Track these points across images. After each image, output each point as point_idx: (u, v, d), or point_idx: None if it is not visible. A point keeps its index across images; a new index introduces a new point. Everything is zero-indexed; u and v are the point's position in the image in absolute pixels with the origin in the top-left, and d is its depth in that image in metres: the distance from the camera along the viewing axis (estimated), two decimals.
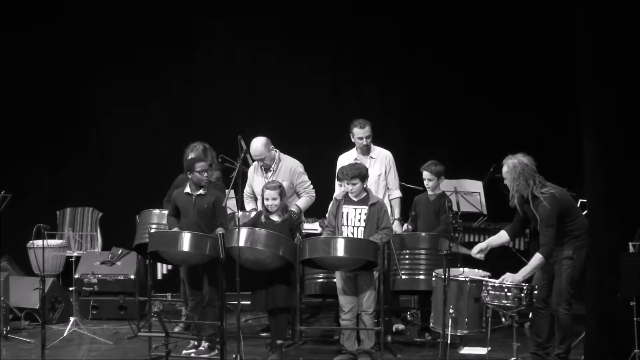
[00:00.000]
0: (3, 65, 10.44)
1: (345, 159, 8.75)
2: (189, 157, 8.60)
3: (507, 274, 7.27)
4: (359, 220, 7.94)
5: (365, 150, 8.73)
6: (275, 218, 8.06)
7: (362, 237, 7.86)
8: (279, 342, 8.05)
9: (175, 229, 8.16)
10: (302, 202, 8.66)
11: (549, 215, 7.23)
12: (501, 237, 7.68)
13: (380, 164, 8.74)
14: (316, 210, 9.04)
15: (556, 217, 7.24)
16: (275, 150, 8.73)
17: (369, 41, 10.63)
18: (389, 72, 10.65)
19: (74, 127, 10.73)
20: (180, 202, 8.21)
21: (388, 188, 8.73)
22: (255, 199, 8.78)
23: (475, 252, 7.56)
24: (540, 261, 7.24)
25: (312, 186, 8.73)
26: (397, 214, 8.73)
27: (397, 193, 8.77)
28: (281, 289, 7.96)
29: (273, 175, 8.64)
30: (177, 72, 10.71)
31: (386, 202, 8.55)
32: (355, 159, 8.71)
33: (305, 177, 8.73)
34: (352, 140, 8.74)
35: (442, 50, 10.48)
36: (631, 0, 7.03)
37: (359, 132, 8.68)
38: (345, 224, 7.96)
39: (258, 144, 8.62)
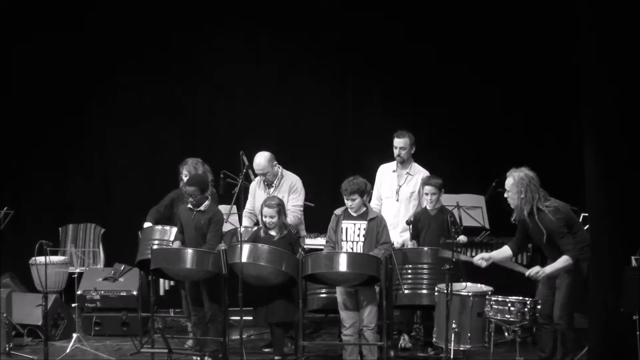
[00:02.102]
0: (4, 83, 10.45)
1: (384, 168, 8.88)
2: (181, 173, 8.74)
3: (536, 267, 7.32)
4: (358, 235, 7.96)
5: (402, 163, 8.75)
6: (274, 233, 8.08)
7: (362, 252, 7.88)
8: (276, 358, 8.05)
9: (177, 243, 8.20)
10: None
11: (558, 226, 7.25)
12: (504, 251, 7.69)
13: (415, 182, 8.74)
14: (319, 226, 9.04)
15: (565, 226, 7.26)
16: (279, 167, 8.75)
17: (372, 56, 10.62)
18: (391, 87, 10.64)
19: (76, 143, 10.73)
20: (182, 217, 8.28)
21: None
22: (256, 215, 8.78)
23: (477, 258, 7.57)
24: (567, 262, 7.23)
25: (301, 209, 8.72)
26: None
27: None
28: (281, 303, 7.96)
29: (275, 191, 8.65)
30: (179, 88, 10.71)
31: None
32: (394, 170, 8.79)
33: (300, 197, 8.71)
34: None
35: (444, 64, 10.45)
36: (633, 13, 7.05)
37: (395, 142, 8.73)
38: (344, 239, 7.98)
39: (261, 158, 8.64)
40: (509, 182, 7.42)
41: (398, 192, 8.76)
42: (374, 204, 8.70)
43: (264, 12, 10.52)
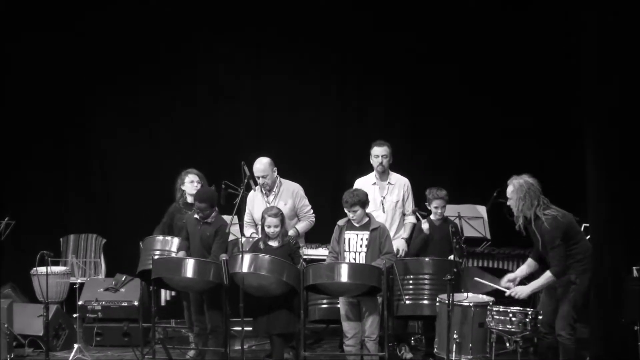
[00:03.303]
0: (4, 92, 10.46)
1: (362, 183, 8.79)
2: (180, 186, 8.82)
3: (517, 287, 7.26)
4: (361, 246, 7.96)
5: (382, 173, 8.74)
6: (273, 244, 8.07)
7: (365, 263, 7.87)
8: None
9: (181, 253, 8.21)
10: (302, 226, 8.70)
11: (552, 237, 7.21)
12: (529, 265, 7.60)
13: (398, 190, 8.75)
14: (320, 236, 9.04)
15: (560, 238, 7.21)
16: (277, 176, 8.76)
17: (374, 65, 10.62)
18: (393, 96, 10.65)
19: (76, 154, 10.73)
20: (189, 227, 8.32)
21: (404, 214, 8.75)
22: (255, 225, 8.79)
23: (505, 281, 7.52)
24: (550, 279, 7.19)
25: (312, 211, 8.76)
26: (406, 235, 8.74)
27: (411, 219, 8.77)
28: (282, 314, 7.95)
29: (275, 199, 8.66)
30: (181, 96, 10.72)
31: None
32: (374, 183, 8.76)
33: (307, 201, 8.77)
34: (371, 161, 8.77)
35: (446, 75, 10.46)
36: (633, 13, 7.07)
37: (376, 150, 8.70)
38: (347, 249, 7.98)
39: (262, 162, 8.65)
40: (510, 189, 7.41)
41: (383, 203, 8.76)
42: None
43: (264, 15, 10.51)
